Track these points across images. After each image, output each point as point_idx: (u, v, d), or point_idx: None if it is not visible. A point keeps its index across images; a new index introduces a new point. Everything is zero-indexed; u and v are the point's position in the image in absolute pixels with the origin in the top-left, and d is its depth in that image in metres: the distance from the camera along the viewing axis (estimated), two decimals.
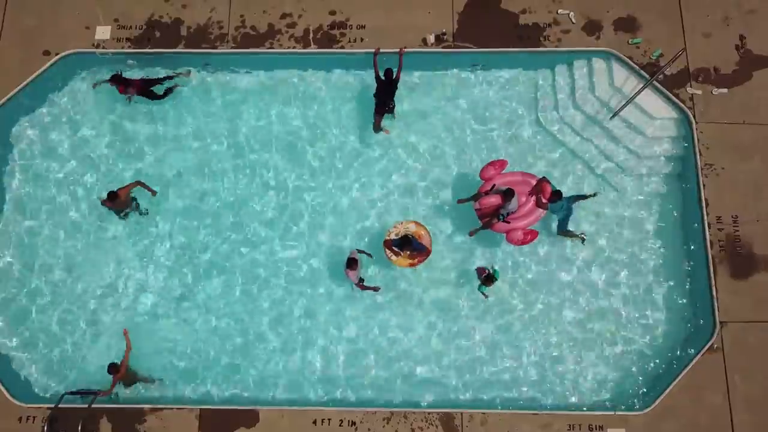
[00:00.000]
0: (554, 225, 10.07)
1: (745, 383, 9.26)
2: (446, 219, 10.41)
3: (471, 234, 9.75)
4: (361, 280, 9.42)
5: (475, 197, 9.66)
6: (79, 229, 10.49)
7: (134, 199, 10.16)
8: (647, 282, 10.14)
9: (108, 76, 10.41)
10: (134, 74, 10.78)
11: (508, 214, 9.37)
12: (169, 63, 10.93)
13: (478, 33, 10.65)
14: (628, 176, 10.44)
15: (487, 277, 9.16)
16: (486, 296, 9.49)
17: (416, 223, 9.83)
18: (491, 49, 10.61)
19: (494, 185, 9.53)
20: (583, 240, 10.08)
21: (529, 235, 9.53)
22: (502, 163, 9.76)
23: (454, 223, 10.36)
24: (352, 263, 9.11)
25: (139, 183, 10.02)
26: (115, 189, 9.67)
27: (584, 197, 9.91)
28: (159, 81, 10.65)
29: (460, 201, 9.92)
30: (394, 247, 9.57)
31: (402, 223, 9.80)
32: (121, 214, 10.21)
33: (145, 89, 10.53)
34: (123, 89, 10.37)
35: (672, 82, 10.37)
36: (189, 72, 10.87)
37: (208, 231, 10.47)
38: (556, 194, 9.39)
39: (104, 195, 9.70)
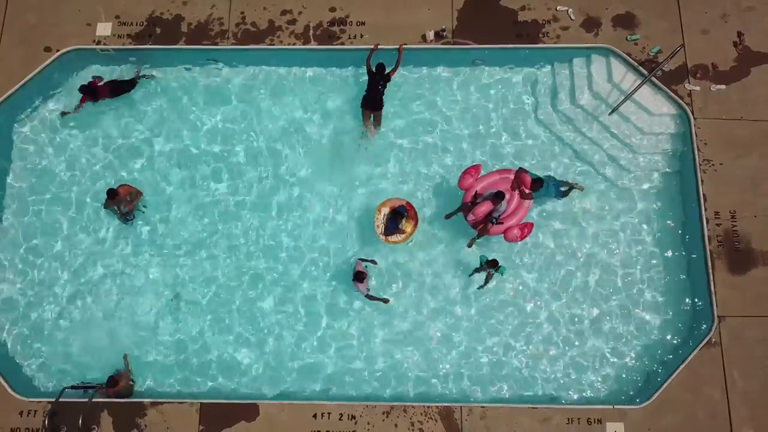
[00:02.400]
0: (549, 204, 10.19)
1: (743, 377, 9.30)
2: (444, 220, 10.42)
3: (469, 245, 9.78)
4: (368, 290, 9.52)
5: (461, 209, 9.67)
6: (80, 225, 10.51)
7: (136, 194, 10.18)
8: (646, 277, 10.17)
9: (73, 108, 10.48)
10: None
11: (499, 216, 9.42)
12: (170, 60, 10.99)
13: (477, 30, 10.70)
14: (627, 172, 10.47)
15: (494, 262, 9.23)
16: (481, 268, 9.61)
17: (382, 205, 9.85)
18: (490, 46, 10.66)
19: (476, 192, 9.56)
20: (582, 188, 10.22)
21: (526, 229, 9.57)
22: (477, 169, 9.72)
23: (454, 224, 10.34)
24: (359, 276, 9.13)
25: (139, 194, 10.05)
26: (115, 187, 9.74)
27: (568, 186, 10.00)
28: (124, 81, 10.69)
29: (447, 216, 9.93)
30: (394, 232, 9.65)
31: (376, 215, 9.81)
32: (125, 215, 10.23)
33: (115, 90, 10.56)
34: (94, 99, 10.39)
35: (670, 79, 10.41)
36: (153, 75, 10.93)
37: (209, 228, 10.50)
38: (537, 182, 9.45)
39: (111, 187, 9.81)
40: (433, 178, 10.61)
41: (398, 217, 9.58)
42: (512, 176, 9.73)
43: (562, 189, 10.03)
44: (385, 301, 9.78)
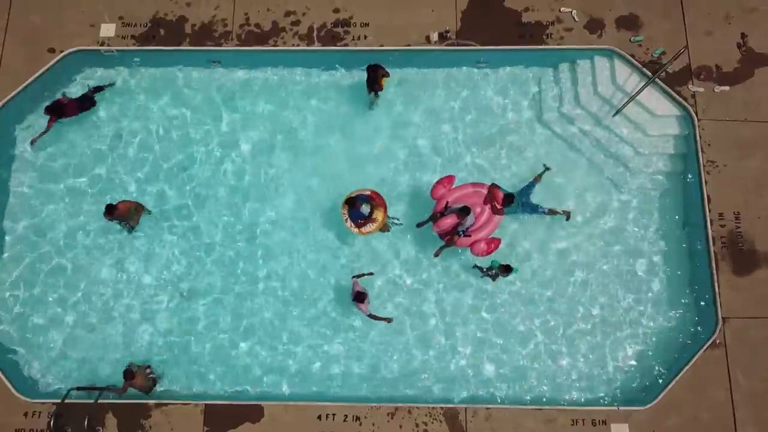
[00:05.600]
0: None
1: (747, 378, 9.32)
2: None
3: (436, 255, 9.75)
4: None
5: (432, 218, 9.62)
6: (85, 226, 10.51)
7: (136, 208, 10.17)
8: (650, 278, 10.18)
9: (40, 132, 10.34)
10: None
11: (467, 229, 9.43)
12: (173, 60, 11.00)
13: (481, 31, 10.71)
14: (630, 173, 10.48)
15: (506, 267, 9.28)
16: (488, 272, 9.62)
17: (347, 199, 9.60)
18: (494, 47, 10.65)
19: (447, 203, 9.55)
20: (567, 216, 10.14)
21: (492, 244, 9.54)
22: (449, 179, 9.73)
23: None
24: (360, 296, 9.01)
25: (140, 207, 10.09)
26: (115, 202, 9.74)
27: (538, 177, 9.98)
28: (88, 97, 10.66)
29: (419, 225, 9.85)
30: (359, 221, 9.52)
31: (342, 211, 9.63)
32: (125, 225, 10.23)
33: (82, 106, 10.54)
34: (56, 118, 10.27)
35: (674, 80, 10.42)
36: (113, 84, 10.93)
37: (213, 229, 10.51)
38: (508, 198, 9.47)
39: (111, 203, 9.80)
40: (429, 180, 10.52)
41: (357, 202, 9.38)
42: (485, 190, 9.72)
43: (535, 206, 9.92)
44: (388, 320, 9.51)
